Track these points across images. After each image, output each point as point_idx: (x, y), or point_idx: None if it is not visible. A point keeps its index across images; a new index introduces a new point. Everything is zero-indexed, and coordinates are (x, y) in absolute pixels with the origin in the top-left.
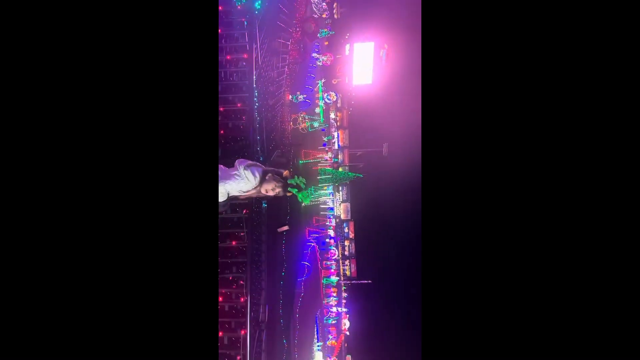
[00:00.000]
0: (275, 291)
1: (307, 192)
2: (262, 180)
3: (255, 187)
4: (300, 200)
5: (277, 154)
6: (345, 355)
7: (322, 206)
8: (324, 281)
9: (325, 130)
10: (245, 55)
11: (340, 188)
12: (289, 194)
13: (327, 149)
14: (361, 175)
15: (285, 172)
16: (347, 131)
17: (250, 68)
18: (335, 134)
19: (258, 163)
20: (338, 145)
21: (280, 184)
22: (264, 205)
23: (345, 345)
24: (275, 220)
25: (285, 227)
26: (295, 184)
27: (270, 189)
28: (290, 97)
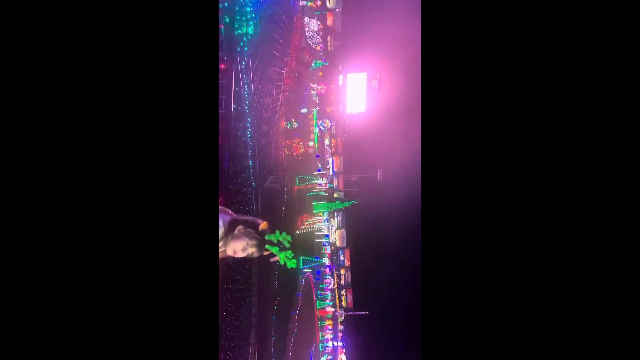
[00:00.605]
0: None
1: (291, 253)
2: (229, 234)
3: (219, 244)
4: (281, 262)
5: (270, 179)
6: None
7: (317, 233)
8: (320, 323)
9: (320, 157)
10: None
11: (335, 214)
12: (266, 253)
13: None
14: (356, 202)
15: (263, 225)
16: (341, 157)
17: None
18: (330, 160)
19: (225, 209)
20: (333, 171)
21: (254, 242)
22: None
23: None
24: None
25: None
26: (276, 242)
27: (240, 249)
28: (285, 123)
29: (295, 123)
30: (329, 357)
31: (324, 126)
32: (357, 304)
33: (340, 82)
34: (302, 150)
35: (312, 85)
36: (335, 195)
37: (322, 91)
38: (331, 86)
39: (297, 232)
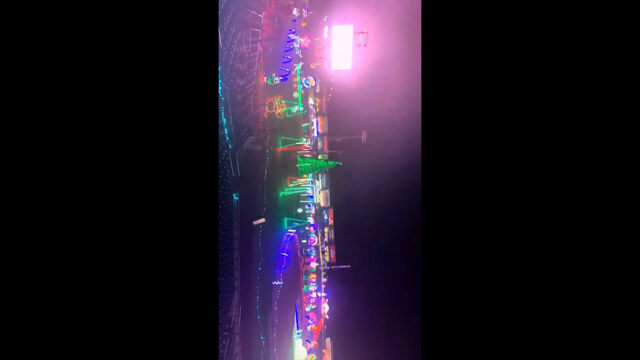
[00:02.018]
0: (251, 288)
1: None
2: None
3: None
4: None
5: (250, 140)
6: (325, 339)
7: (301, 194)
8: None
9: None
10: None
11: (319, 176)
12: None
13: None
14: (340, 163)
15: (260, 220)
16: (326, 118)
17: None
18: (315, 121)
19: None
20: (317, 132)
21: None
22: (236, 198)
23: (325, 328)
24: (249, 213)
25: (262, 220)
26: None
27: None
28: (264, 78)
29: (277, 79)
30: (314, 306)
31: (307, 84)
32: (340, 258)
33: (325, 35)
34: (285, 109)
35: (295, 37)
36: (319, 157)
37: (306, 45)
38: (316, 39)
39: (281, 194)
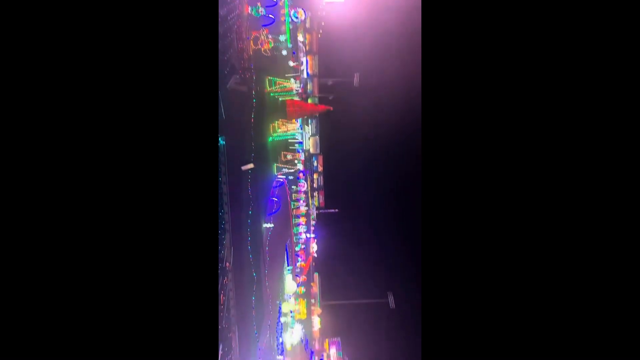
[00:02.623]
0: (242, 230)
1: None
2: None
3: None
4: None
5: (235, 79)
6: (314, 274)
7: (290, 140)
8: (292, 205)
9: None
10: None
11: (309, 121)
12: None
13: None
14: (331, 109)
15: (248, 166)
16: (316, 57)
17: None
18: (304, 60)
19: None
20: (307, 73)
21: None
22: (222, 142)
23: (313, 264)
24: (237, 158)
25: (250, 165)
26: None
27: None
28: (249, 8)
29: (262, 9)
30: (303, 246)
31: (296, 17)
32: (328, 203)
33: None
34: (272, 45)
35: None
36: (309, 100)
37: None
38: None
39: (270, 138)
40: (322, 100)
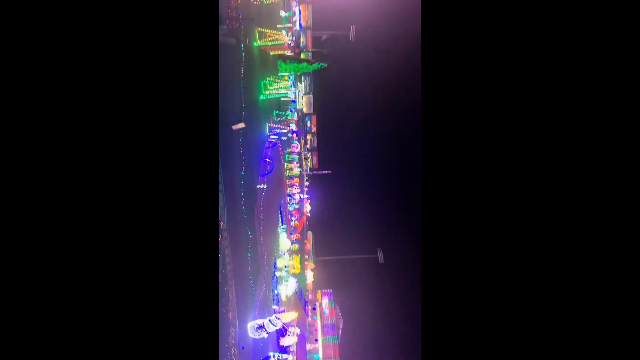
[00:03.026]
0: (236, 190)
1: None
2: None
3: None
4: None
5: (222, 30)
6: (307, 232)
7: (283, 99)
8: (285, 166)
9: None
10: None
11: (302, 78)
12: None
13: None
14: (325, 65)
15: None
16: (310, 6)
17: None
18: (297, 10)
19: None
20: (300, 25)
21: None
22: None
23: (307, 223)
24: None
25: (241, 125)
26: None
27: None
28: None
29: None
30: (297, 206)
31: None
32: (322, 164)
33: None
34: None
35: None
36: (302, 56)
37: None
38: None
39: (261, 97)
40: (315, 55)
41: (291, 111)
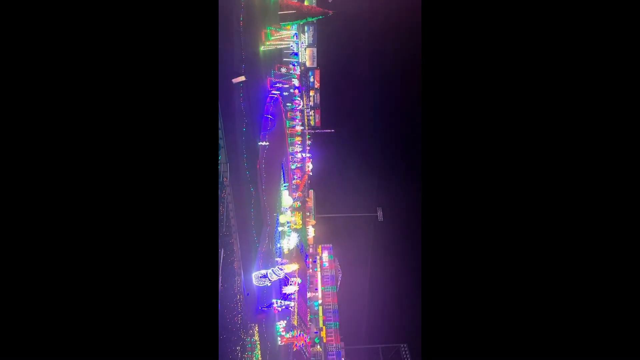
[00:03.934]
0: (237, 147)
1: None
2: None
3: None
4: None
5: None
6: (309, 190)
7: (284, 51)
8: (287, 124)
9: None
10: None
11: (306, 29)
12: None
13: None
14: (330, 14)
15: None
16: None
17: None
18: None
19: None
20: None
21: None
22: None
23: (309, 182)
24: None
25: (242, 78)
26: None
27: None
28: None
29: None
30: (299, 165)
31: None
32: (325, 123)
33: None
34: None
35: None
36: (306, 2)
37: None
38: None
39: (262, 48)
40: (320, 2)
41: (293, 65)
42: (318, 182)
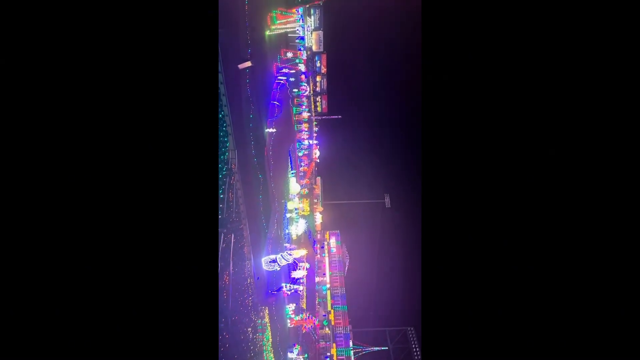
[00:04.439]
0: (245, 134)
1: None
2: None
3: None
4: None
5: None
6: (316, 177)
7: (290, 35)
8: (294, 110)
9: None
10: None
11: (312, 12)
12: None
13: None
14: None
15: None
16: None
17: None
18: None
19: None
20: None
21: None
22: None
23: (316, 169)
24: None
25: (248, 63)
26: None
27: None
28: None
29: None
30: (306, 152)
31: None
32: (332, 109)
33: None
34: None
35: None
36: None
37: None
38: None
39: (267, 32)
40: None
41: (299, 49)
42: (325, 169)
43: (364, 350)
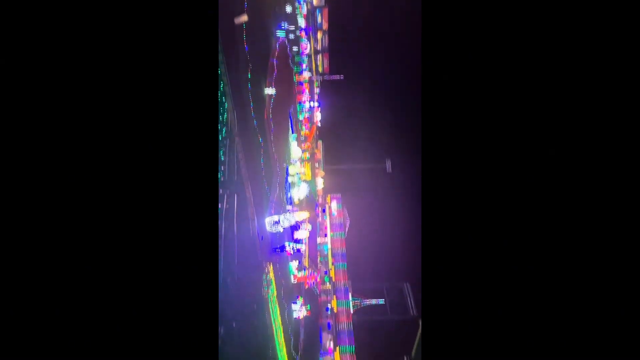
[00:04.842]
0: (243, 95)
1: None
2: None
3: None
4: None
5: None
6: (318, 141)
7: None
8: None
9: None
10: None
11: None
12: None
13: None
14: None
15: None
16: None
17: None
18: None
19: None
20: None
21: None
22: None
23: (317, 133)
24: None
25: (244, 18)
26: None
27: None
28: None
29: None
30: (307, 115)
31: None
32: (334, 68)
33: None
34: None
35: None
36: None
37: None
38: None
39: None
40: None
41: (299, 2)
42: (327, 133)
43: (362, 303)
